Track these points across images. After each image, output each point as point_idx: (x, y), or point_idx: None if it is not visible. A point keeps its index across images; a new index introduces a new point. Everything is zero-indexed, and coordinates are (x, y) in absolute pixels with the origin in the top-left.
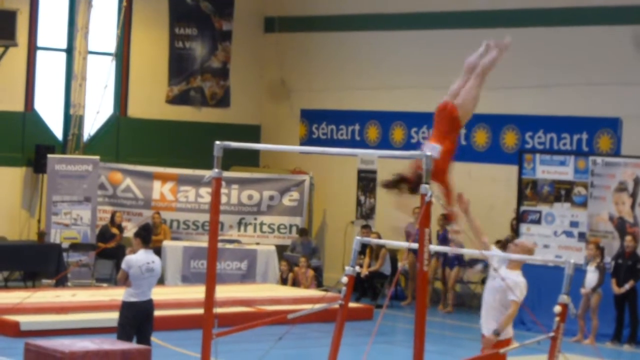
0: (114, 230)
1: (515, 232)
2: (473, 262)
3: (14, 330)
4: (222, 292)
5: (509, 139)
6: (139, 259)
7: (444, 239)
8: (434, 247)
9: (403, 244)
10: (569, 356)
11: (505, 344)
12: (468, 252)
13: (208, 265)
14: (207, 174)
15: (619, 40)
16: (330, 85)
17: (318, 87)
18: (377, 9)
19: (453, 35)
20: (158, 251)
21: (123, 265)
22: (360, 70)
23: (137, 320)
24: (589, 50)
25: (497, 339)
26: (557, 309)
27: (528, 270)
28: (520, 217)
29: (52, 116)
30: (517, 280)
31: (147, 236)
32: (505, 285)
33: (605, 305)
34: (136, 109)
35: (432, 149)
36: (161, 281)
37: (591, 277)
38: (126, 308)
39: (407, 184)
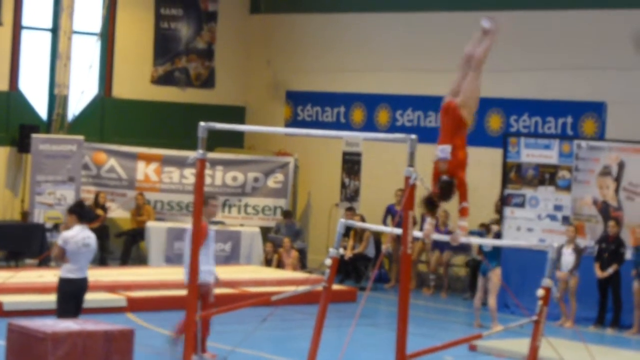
0: (98, 211)
1: (500, 214)
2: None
3: None
4: None
5: (494, 122)
6: (75, 234)
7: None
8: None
9: (386, 228)
10: (552, 340)
11: None
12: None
13: (192, 246)
14: (191, 154)
15: (605, 24)
16: (316, 67)
17: (303, 69)
18: None
19: (439, 17)
20: (142, 232)
21: (59, 242)
22: (346, 52)
23: (75, 296)
24: (575, 34)
25: None
26: (540, 292)
27: (512, 253)
28: (504, 200)
29: (36, 96)
30: None
31: (82, 212)
32: None
33: (587, 289)
34: (121, 89)
35: (442, 150)
36: (144, 262)
37: (567, 259)
38: (65, 284)
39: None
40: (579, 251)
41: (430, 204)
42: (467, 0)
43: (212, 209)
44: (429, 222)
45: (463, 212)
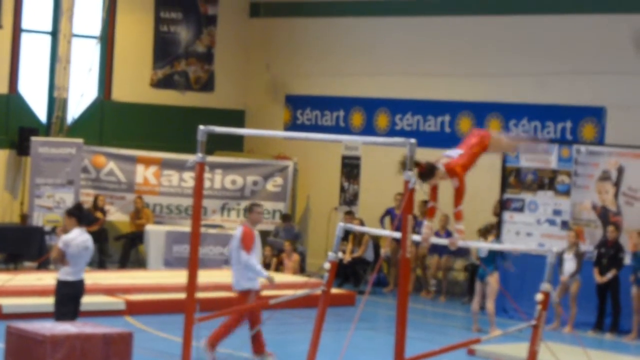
0: (97, 214)
1: (498, 218)
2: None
3: None
4: (205, 277)
5: (493, 126)
6: (76, 237)
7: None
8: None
9: (385, 232)
10: (551, 344)
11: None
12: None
13: (190, 249)
14: (190, 158)
15: (605, 29)
16: (315, 71)
17: (303, 73)
18: None
19: (438, 22)
20: (141, 235)
21: (60, 245)
22: (345, 56)
23: (73, 299)
24: (574, 39)
25: None
26: (539, 297)
27: (510, 258)
28: (503, 205)
29: (36, 99)
30: None
31: (81, 215)
32: None
33: (586, 294)
34: (120, 93)
35: (453, 151)
36: (143, 265)
37: (569, 264)
38: (63, 286)
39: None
40: (580, 256)
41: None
42: (466, 4)
43: (257, 216)
44: (427, 225)
45: (458, 215)
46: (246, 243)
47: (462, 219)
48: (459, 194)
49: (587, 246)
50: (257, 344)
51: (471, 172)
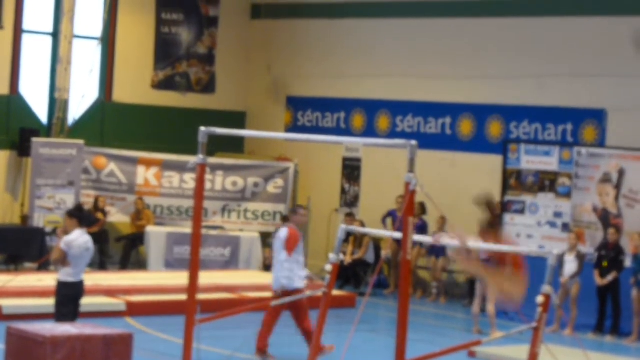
0: (98, 215)
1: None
2: None
3: None
4: (205, 278)
5: (494, 128)
6: (77, 239)
7: (420, 229)
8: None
9: (386, 233)
10: (551, 347)
11: None
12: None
13: (191, 251)
14: (191, 159)
15: (606, 31)
16: (316, 72)
17: (304, 75)
18: None
19: (440, 24)
20: (141, 236)
21: (63, 246)
22: (346, 58)
23: (74, 300)
24: (575, 42)
25: None
26: (540, 299)
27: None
28: (504, 207)
29: (37, 100)
30: None
31: (82, 216)
32: None
33: (587, 297)
34: (121, 94)
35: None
36: (144, 266)
37: (570, 266)
38: (63, 287)
39: None
40: (581, 258)
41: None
42: (468, 7)
43: (300, 218)
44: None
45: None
46: (290, 244)
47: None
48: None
49: (588, 248)
50: (262, 340)
51: (472, 174)
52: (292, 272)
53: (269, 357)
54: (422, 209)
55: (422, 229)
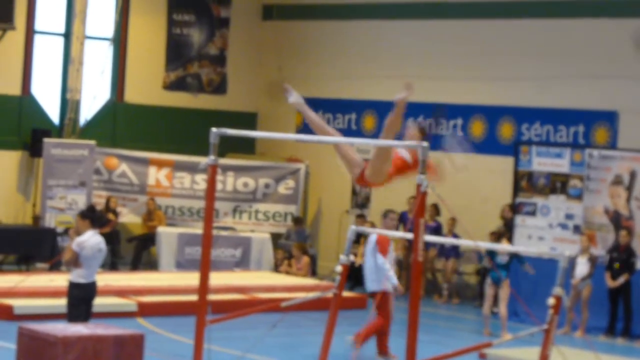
0: (110, 216)
1: (507, 223)
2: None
3: (8, 314)
4: (216, 279)
5: (505, 130)
6: (90, 239)
7: (434, 230)
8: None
9: (397, 234)
10: (562, 348)
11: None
12: (463, 243)
13: (202, 252)
14: (203, 160)
15: (617, 33)
16: (327, 73)
17: (315, 76)
18: None
19: (451, 25)
20: (153, 237)
21: (75, 247)
22: (358, 59)
23: (85, 301)
24: (587, 43)
25: None
26: (551, 301)
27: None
28: (515, 209)
29: (48, 100)
30: None
31: (94, 217)
32: None
33: (598, 299)
34: (133, 95)
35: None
36: (155, 267)
37: (582, 268)
38: (75, 288)
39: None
40: (593, 260)
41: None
42: (479, 8)
43: (390, 222)
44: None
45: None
46: (382, 248)
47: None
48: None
49: (599, 251)
50: (381, 344)
51: (483, 176)
52: (384, 274)
53: (391, 357)
54: (436, 210)
55: (436, 230)
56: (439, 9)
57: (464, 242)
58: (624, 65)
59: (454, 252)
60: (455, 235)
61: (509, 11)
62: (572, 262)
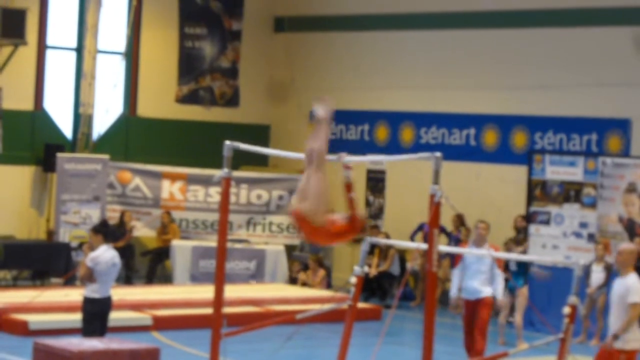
0: (126, 229)
1: (520, 231)
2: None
3: (23, 330)
4: (231, 291)
5: (519, 139)
6: (104, 254)
7: (459, 241)
8: (445, 248)
9: (412, 244)
10: (578, 357)
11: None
12: (476, 252)
13: (217, 265)
14: (216, 173)
15: (629, 41)
16: (339, 85)
17: (327, 87)
18: (387, 8)
19: (462, 35)
20: (167, 250)
21: (89, 263)
22: (369, 70)
23: (101, 316)
24: (599, 51)
25: (614, 344)
26: (566, 310)
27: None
28: (529, 218)
29: (61, 115)
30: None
31: (107, 232)
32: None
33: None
34: (145, 108)
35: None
36: (170, 280)
37: (597, 276)
38: (90, 304)
39: None
40: (608, 269)
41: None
42: (490, 18)
43: (482, 232)
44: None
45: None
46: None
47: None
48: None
49: (614, 258)
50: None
51: (497, 185)
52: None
53: None
54: (461, 221)
55: (460, 240)
56: (450, 19)
57: (476, 252)
58: (637, 72)
59: None
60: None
61: (521, 21)
62: (587, 270)
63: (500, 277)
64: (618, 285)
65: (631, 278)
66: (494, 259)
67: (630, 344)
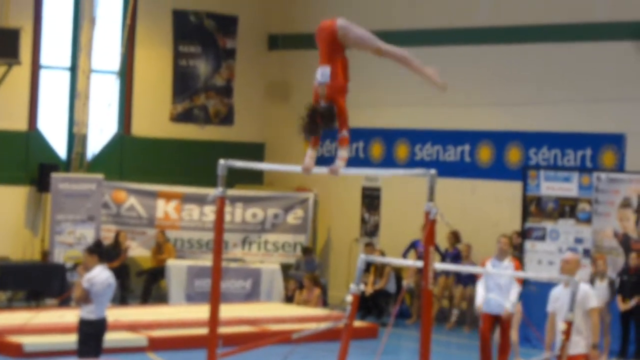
0: (121, 248)
1: (516, 248)
2: None
3: (18, 352)
4: (227, 311)
5: (513, 155)
6: (99, 275)
7: (454, 257)
8: (441, 266)
9: (407, 262)
10: None
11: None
12: (471, 269)
13: (212, 284)
14: (211, 192)
15: (623, 56)
16: None
17: None
18: (380, 25)
19: (455, 51)
20: (162, 270)
21: (85, 284)
22: (364, 87)
23: (95, 337)
24: (593, 66)
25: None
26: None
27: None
28: (524, 234)
29: (55, 135)
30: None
31: (102, 252)
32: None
33: (611, 322)
34: (140, 127)
35: (321, 74)
36: (165, 300)
37: (601, 293)
38: (85, 325)
39: (319, 118)
40: (611, 284)
41: (313, 127)
42: (483, 34)
43: (502, 246)
44: (310, 155)
45: (342, 141)
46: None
47: (346, 145)
48: (342, 119)
49: (610, 274)
50: None
51: (492, 201)
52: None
53: None
54: (456, 237)
55: (455, 257)
56: (443, 36)
57: (471, 269)
58: (631, 87)
59: (471, 278)
60: (471, 262)
61: (514, 36)
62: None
63: (515, 289)
64: (564, 294)
65: (583, 286)
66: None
67: (574, 350)
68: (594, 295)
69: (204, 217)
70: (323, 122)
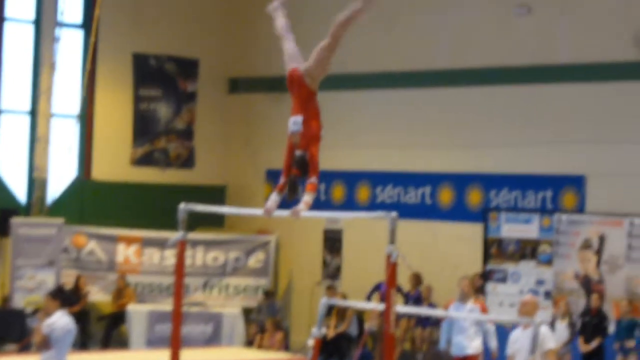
0: (79, 295)
1: (478, 290)
2: None
3: None
4: (188, 356)
5: (474, 197)
6: (59, 320)
7: (416, 300)
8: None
9: (369, 305)
10: None
11: None
12: (434, 313)
13: (173, 329)
14: (172, 235)
15: (584, 98)
16: None
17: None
18: (340, 69)
19: (417, 94)
20: (122, 315)
21: (45, 329)
22: (325, 129)
23: None
24: (553, 108)
25: None
26: None
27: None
28: (486, 276)
29: (15, 179)
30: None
31: (64, 297)
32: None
33: None
34: (100, 171)
35: (294, 122)
36: (126, 345)
37: (561, 334)
38: None
39: (297, 172)
40: (572, 326)
41: (292, 186)
42: (445, 76)
43: (464, 288)
44: (273, 199)
45: (310, 187)
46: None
47: (313, 192)
48: (313, 166)
49: (571, 315)
50: None
51: (453, 243)
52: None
53: None
54: (418, 280)
55: (417, 300)
56: (404, 79)
57: (432, 312)
58: (590, 129)
59: (429, 320)
60: (431, 304)
61: (475, 78)
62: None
63: (492, 331)
64: (522, 336)
65: (542, 327)
66: (481, 313)
67: None
68: (551, 336)
69: (164, 261)
70: (300, 171)
